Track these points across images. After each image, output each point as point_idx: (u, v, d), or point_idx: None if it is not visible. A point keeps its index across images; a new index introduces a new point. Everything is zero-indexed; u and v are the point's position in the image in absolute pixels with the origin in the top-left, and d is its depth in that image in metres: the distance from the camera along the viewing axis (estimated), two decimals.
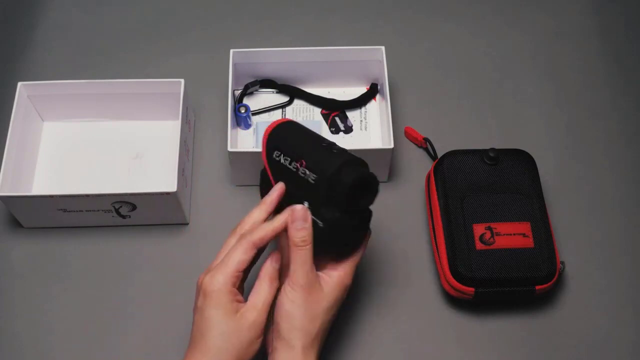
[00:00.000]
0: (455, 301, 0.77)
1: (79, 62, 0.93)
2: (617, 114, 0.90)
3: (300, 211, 0.63)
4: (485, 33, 0.97)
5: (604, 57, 0.95)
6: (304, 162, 0.63)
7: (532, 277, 0.72)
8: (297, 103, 0.89)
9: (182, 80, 0.81)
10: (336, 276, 0.64)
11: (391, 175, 0.85)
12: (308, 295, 0.62)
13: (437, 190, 0.78)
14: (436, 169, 0.79)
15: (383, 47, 0.85)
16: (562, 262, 0.74)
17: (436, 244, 0.76)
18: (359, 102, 0.89)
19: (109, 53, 0.94)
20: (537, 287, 0.72)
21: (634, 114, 0.90)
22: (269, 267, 0.64)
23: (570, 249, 0.80)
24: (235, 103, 0.86)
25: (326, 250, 0.65)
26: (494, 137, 0.88)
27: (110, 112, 0.86)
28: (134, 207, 0.77)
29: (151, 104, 0.84)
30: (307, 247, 0.62)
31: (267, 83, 0.89)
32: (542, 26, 0.97)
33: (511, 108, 0.90)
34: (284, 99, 0.90)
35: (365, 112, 0.89)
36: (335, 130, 0.87)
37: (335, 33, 0.97)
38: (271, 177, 0.67)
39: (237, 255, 0.62)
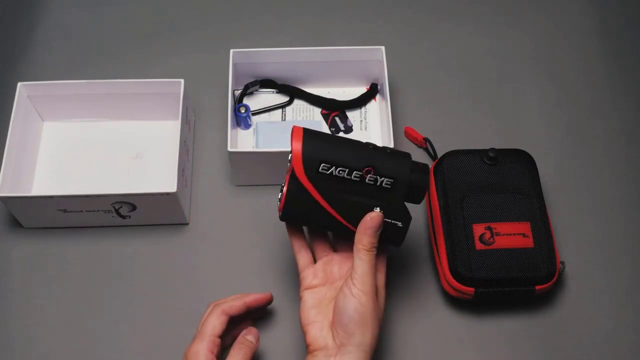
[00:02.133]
0: (455, 301, 0.77)
1: (79, 62, 0.93)
2: (617, 114, 0.90)
3: (376, 219, 0.64)
4: (485, 33, 0.97)
5: (604, 57, 0.95)
6: (372, 170, 0.63)
7: (532, 277, 0.72)
8: (297, 103, 0.89)
9: (182, 80, 0.81)
10: (381, 278, 0.67)
11: None
12: (374, 297, 0.64)
13: (437, 190, 0.78)
14: (436, 169, 0.79)
15: (383, 47, 0.85)
16: (562, 262, 0.74)
17: (436, 244, 0.76)
18: (359, 102, 0.89)
19: (109, 53, 0.94)
20: (537, 287, 0.72)
21: (634, 114, 0.90)
22: (241, 338, 0.68)
23: (570, 249, 0.80)
24: (235, 103, 0.86)
25: (396, 247, 0.68)
26: (494, 137, 0.88)
27: (110, 112, 0.86)
28: (134, 208, 0.77)
29: (151, 104, 0.84)
30: (375, 252, 0.65)
31: (267, 83, 0.89)
32: (542, 26, 0.97)
33: (511, 108, 0.90)
34: (284, 99, 0.90)
35: (365, 112, 0.89)
36: (335, 130, 0.87)
37: (335, 33, 0.96)
38: (316, 194, 0.64)
39: (210, 322, 0.67)
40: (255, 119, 0.88)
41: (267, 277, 0.78)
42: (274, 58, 0.86)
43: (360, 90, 0.90)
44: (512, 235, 0.74)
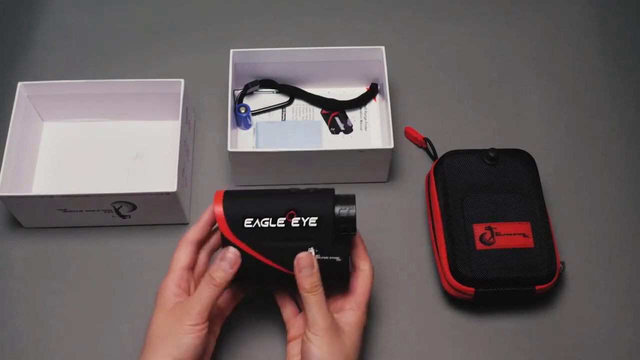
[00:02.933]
0: (455, 301, 0.77)
1: (79, 62, 0.93)
2: (617, 114, 0.90)
3: (305, 259, 0.64)
4: (485, 33, 0.97)
5: (604, 57, 0.95)
6: (294, 213, 0.64)
7: (532, 277, 0.72)
8: (297, 103, 0.89)
9: (182, 80, 0.81)
10: (352, 315, 0.66)
11: (391, 175, 0.85)
12: (332, 338, 0.63)
13: (437, 190, 0.78)
14: (436, 169, 0.79)
15: (383, 47, 0.85)
16: (562, 262, 0.74)
17: (436, 244, 0.76)
18: (359, 102, 0.89)
19: (109, 53, 0.94)
20: (537, 287, 0.72)
21: (634, 114, 0.90)
22: (212, 268, 0.64)
23: (570, 249, 0.80)
24: (235, 103, 0.86)
25: (343, 285, 0.67)
26: (494, 137, 0.88)
27: (111, 112, 0.86)
28: (134, 207, 0.77)
29: (151, 104, 0.84)
30: (319, 290, 0.63)
31: (267, 83, 0.89)
32: (542, 26, 0.97)
33: (511, 108, 0.90)
34: (284, 99, 0.90)
35: (365, 112, 0.89)
36: (335, 130, 0.87)
37: (335, 33, 0.97)
38: (249, 250, 0.65)
39: (176, 255, 0.66)
40: (255, 119, 0.88)
41: None
42: (274, 58, 0.86)
43: (360, 90, 0.90)
44: (512, 235, 0.74)
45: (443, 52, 0.95)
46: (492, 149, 0.78)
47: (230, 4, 0.99)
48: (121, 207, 0.77)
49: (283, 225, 0.64)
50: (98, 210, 0.77)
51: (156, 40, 0.95)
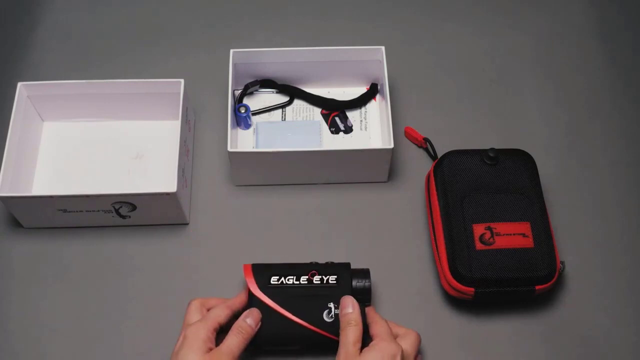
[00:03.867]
0: (455, 301, 0.77)
1: (79, 62, 0.93)
2: (617, 114, 0.90)
3: (348, 299, 0.70)
4: (485, 33, 0.97)
5: (604, 57, 0.95)
6: (316, 272, 0.73)
7: (532, 277, 0.72)
8: (297, 103, 0.89)
9: (182, 81, 0.81)
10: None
11: (391, 175, 0.85)
12: None
13: (437, 190, 0.78)
14: (436, 169, 0.79)
15: (383, 47, 0.85)
16: (562, 262, 0.74)
17: (436, 244, 0.76)
18: (359, 102, 0.89)
19: (109, 53, 0.94)
20: (537, 287, 0.72)
21: (634, 114, 0.90)
22: (240, 321, 0.69)
23: (570, 249, 0.80)
24: (235, 103, 0.86)
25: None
26: (494, 137, 0.88)
27: (111, 112, 0.86)
28: (134, 208, 0.77)
29: (151, 104, 0.84)
30: (359, 326, 0.68)
31: (267, 83, 0.89)
32: (542, 26, 0.97)
33: (511, 108, 0.90)
34: (284, 99, 0.90)
35: (365, 112, 0.89)
36: (335, 130, 0.87)
37: (335, 33, 0.96)
38: (274, 305, 0.71)
39: (215, 312, 0.69)
40: (255, 119, 0.88)
41: None
42: (274, 58, 0.86)
43: (360, 90, 0.90)
44: (512, 235, 0.74)
45: (443, 52, 0.95)
46: (492, 149, 0.78)
47: (231, 4, 0.99)
48: (121, 207, 0.77)
49: (306, 282, 0.72)
50: (98, 211, 0.77)
51: (156, 40, 0.95)
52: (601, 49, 0.95)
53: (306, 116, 0.89)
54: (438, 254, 0.76)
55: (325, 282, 0.72)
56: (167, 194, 0.74)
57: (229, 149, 0.78)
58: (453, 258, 0.73)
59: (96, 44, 0.95)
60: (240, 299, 0.72)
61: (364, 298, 0.72)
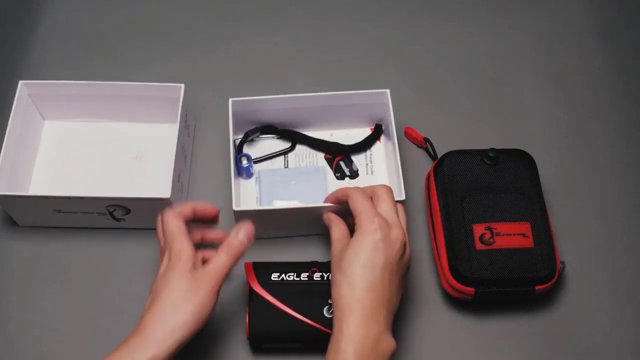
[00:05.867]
0: (455, 301, 0.77)
1: (79, 62, 0.93)
2: (617, 114, 0.90)
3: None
4: (485, 33, 0.97)
5: (604, 57, 0.95)
6: (316, 269, 0.73)
7: (532, 277, 0.72)
8: (300, 148, 0.86)
9: (182, 85, 0.80)
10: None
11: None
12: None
13: (437, 190, 0.78)
14: (436, 169, 0.79)
15: (388, 91, 0.81)
16: (562, 262, 0.74)
17: (436, 244, 0.76)
18: (364, 146, 0.85)
19: (109, 53, 0.94)
20: (537, 287, 0.72)
21: (634, 114, 0.90)
22: (231, 237, 0.67)
23: (570, 249, 0.80)
24: (236, 153, 0.83)
25: None
26: (494, 137, 0.88)
27: (111, 113, 0.86)
28: (128, 211, 0.77)
29: (152, 106, 0.84)
30: (338, 222, 0.71)
31: (268, 129, 0.85)
32: (542, 26, 0.97)
33: (511, 108, 0.90)
34: (285, 144, 0.86)
35: (371, 155, 0.85)
36: (340, 175, 0.84)
37: (335, 33, 0.96)
38: (274, 300, 0.71)
39: (167, 221, 0.67)
40: (257, 167, 0.84)
41: None
42: (274, 105, 0.82)
43: (364, 131, 0.87)
44: (512, 235, 0.74)
45: (443, 52, 0.95)
46: (492, 149, 0.78)
47: (231, 3, 0.99)
48: (115, 210, 0.77)
49: (306, 279, 0.72)
50: (92, 213, 0.77)
51: (156, 40, 0.95)
52: (601, 49, 0.95)
53: (310, 161, 0.85)
54: (438, 254, 0.76)
55: (325, 278, 0.72)
56: (161, 199, 0.74)
57: (234, 207, 0.74)
58: (453, 258, 0.73)
59: (96, 44, 0.95)
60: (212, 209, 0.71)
61: None
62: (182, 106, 0.80)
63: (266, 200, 0.81)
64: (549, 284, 0.73)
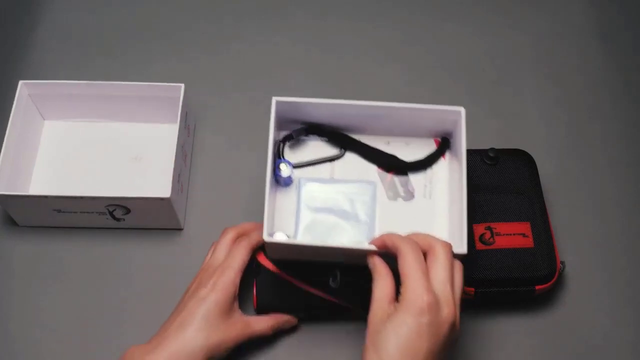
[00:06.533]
0: None
1: (79, 62, 0.93)
2: (617, 114, 0.90)
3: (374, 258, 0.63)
4: (485, 33, 0.97)
5: (604, 57, 0.95)
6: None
7: (532, 277, 0.72)
8: (349, 157, 0.74)
9: (182, 85, 0.80)
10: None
11: None
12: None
13: None
14: None
15: (463, 110, 0.71)
16: (562, 262, 0.74)
17: None
18: (426, 164, 0.73)
19: (109, 53, 0.94)
20: (537, 287, 0.72)
21: (634, 114, 0.90)
22: (282, 317, 0.71)
23: (570, 249, 0.80)
24: (274, 158, 0.71)
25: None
26: (494, 137, 0.88)
27: (111, 113, 0.85)
28: (128, 211, 0.77)
29: (152, 106, 0.84)
30: (386, 277, 0.62)
31: (314, 129, 0.73)
32: (542, 26, 0.97)
33: (511, 108, 0.90)
34: (332, 149, 0.74)
35: (432, 173, 0.73)
36: (393, 195, 0.72)
37: (335, 33, 0.96)
38: (281, 272, 0.70)
39: (240, 256, 0.68)
40: (297, 172, 0.73)
41: None
42: (326, 109, 0.71)
43: (427, 142, 0.74)
44: (512, 235, 0.74)
45: (443, 52, 0.95)
46: (492, 149, 0.78)
47: (231, 3, 0.99)
48: (115, 210, 0.77)
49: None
50: (92, 212, 0.77)
51: (157, 40, 0.95)
52: (601, 49, 0.95)
53: (359, 174, 0.73)
54: None
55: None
56: (161, 198, 0.74)
57: (265, 238, 0.64)
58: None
59: (96, 44, 0.95)
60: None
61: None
62: (182, 106, 0.80)
63: (304, 215, 0.71)
64: (549, 284, 0.73)
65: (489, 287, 0.72)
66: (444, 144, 0.74)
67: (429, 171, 0.73)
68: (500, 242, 0.73)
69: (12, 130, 0.78)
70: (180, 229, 0.81)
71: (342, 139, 0.73)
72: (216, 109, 0.89)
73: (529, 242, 0.73)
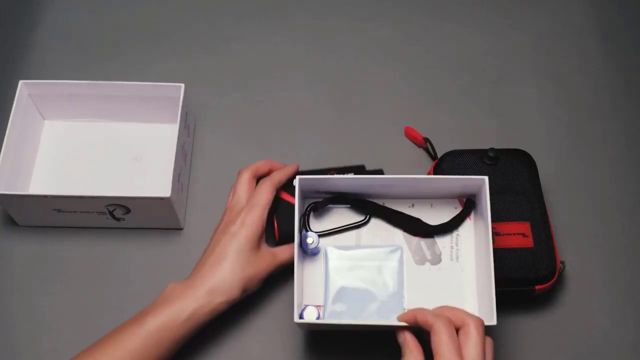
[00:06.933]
0: None
1: (79, 62, 0.93)
2: (617, 114, 0.90)
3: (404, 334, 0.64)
4: (485, 33, 0.97)
5: (604, 57, 0.95)
6: (334, 172, 0.76)
7: (532, 277, 0.72)
8: (374, 222, 0.74)
9: (182, 85, 0.80)
10: None
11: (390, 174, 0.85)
12: None
13: None
14: (436, 169, 0.79)
15: (486, 178, 0.69)
16: (562, 262, 0.74)
17: None
18: (452, 226, 0.73)
19: (109, 53, 0.94)
20: (537, 287, 0.72)
21: (634, 114, 0.90)
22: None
23: (570, 249, 0.80)
24: (300, 230, 0.72)
25: None
26: (494, 137, 0.88)
27: (111, 113, 0.86)
28: (128, 210, 0.77)
29: (152, 106, 0.84)
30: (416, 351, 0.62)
31: (338, 199, 0.74)
32: (542, 26, 0.97)
33: (511, 108, 0.90)
34: (357, 216, 0.74)
35: (457, 235, 0.73)
36: (420, 259, 0.72)
37: (335, 33, 0.96)
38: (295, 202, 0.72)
39: (265, 195, 0.72)
40: (323, 241, 0.73)
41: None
42: (347, 183, 0.72)
43: (451, 203, 0.74)
44: (512, 235, 0.74)
45: (443, 52, 0.95)
46: (492, 149, 0.78)
47: (231, 3, 0.99)
48: (115, 209, 0.77)
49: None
50: (92, 212, 0.77)
51: (157, 40, 0.95)
52: (601, 49, 0.95)
53: (384, 238, 0.74)
54: None
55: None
56: (161, 198, 0.74)
57: (296, 319, 0.65)
58: None
59: (96, 44, 0.95)
60: (292, 168, 0.76)
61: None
62: (182, 106, 0.80)
63: (333, 284, 0.71)
64: (549, 284, 0.73)
65: None
66: (469, 205, 0.73)
67: (454, 233, 0.73)
68: (500, 242, 0.73)
69: (12, 130, 0.78)
70: (180, 229, 0.81)
71: (366, 206, 0.74)
72: (216, 109, 0.89)
73: (529, 242, 0.73)
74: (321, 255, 0.73)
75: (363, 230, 0.74)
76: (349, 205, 0.74)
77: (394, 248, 0.73)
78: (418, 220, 0.73)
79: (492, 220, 0.74)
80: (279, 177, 0.74)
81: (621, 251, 0.80)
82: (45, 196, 0.74)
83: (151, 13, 0.98)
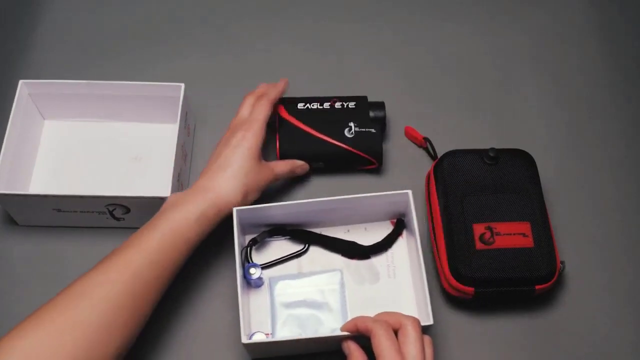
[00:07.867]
0: (455, 301, 0.77)
1: (79, 62, 0.93)
2: (617, 114, 0.90)
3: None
4: (485, 33, 0.97)
5: (604, 57, 0.95)
6: (337, 99, 0.83)
7: (532, 277, 0.72)
8: (313, 250, 0.78)
9: (182, 85, 0.80)
10: None
11: (391, 174, 0.85)
12: None
13: (437, 190, 0.78)
14: (436, 169, 0.79)
15: (410, 192, 0.73)
16: (562, 262, 0.74)
17: (436, 244, 0.76)
18: (385, 245, 0.77)
19: (109, 53, 0.94)
20: (537, 287, 0.72)
21: (634, 114, 0.90)
22: (296, 161, 0.81)
23: (570, 249, 0.80)
24: (242, 263, 0.75)
25: (377, 158, 0.82)
26: (494, 137, 0.88)
27: (112, 113, 0.86)
28: (127, 210, 0.77)
29: (152, 106, 0.84)
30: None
31: (277, 231, 0.78)
32: (542, 26, 0.97)
33: (511, 108, 0.90)
34: (297, 246, 0.78)
35: (392, 254, 0.78)
36: (359, 279, 0.76)
37: (334, 33, 0.96)
38: (300, 124, 0.81)
39: (263, 110, 0.78)
40: (266, 272, 0.77)
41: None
42: (284, 210, 0.75)
43: (384, 225, 0.79)
44: (512, 235, 0.74)
45: (443, 52, 0.95)
46: (492, 149, 0.78)
47: (231, 4, 0.99)
48: (115, 209, 0.77)
49: (328, 107, 0.82)
50: (92, 212, 0.77)
51: (157, 40, 0.95)
52: (601, 49, 0.95)
53: (325, 264, 0.77)
54: (438, 254, 0.75)
55: (345, 106, 0.82)
56: (161, 198, 0.74)
57: (243, 340, 0.66)
58: (453, 257, 0.73)
59: (96, 44, 0.95)
60: (283, 82, 0.83)
61: (379, 127, 0.82)
62: (182, 106, 0.80)
63: (280, 312, 0.74)
64: (549, 283, 0.73)
65: (489, 286, 0.72)
66: (399, 225, 0.78)
67: (389, 252, 0.78)
68: (500, 242, 0.73)
69: (12, 130, 0.78)
70: None
71: (304, 235, 0.78)
72: (216, 109, 0.89)
73: (529, 242, 0.73)
74: (266, 285, 0.76)
75: (303, 258, 0.78)
76: (288, 237, 0.78)
77: (334, 272, 0.76)
78: (353, 243, 0.77)
79: (493, 220, 0.74)
80: (273, 94, 0.80)
81: (621, 251, 0.80)
82: (45, 196, 0.74)
83: (151, 13, 0.98)
